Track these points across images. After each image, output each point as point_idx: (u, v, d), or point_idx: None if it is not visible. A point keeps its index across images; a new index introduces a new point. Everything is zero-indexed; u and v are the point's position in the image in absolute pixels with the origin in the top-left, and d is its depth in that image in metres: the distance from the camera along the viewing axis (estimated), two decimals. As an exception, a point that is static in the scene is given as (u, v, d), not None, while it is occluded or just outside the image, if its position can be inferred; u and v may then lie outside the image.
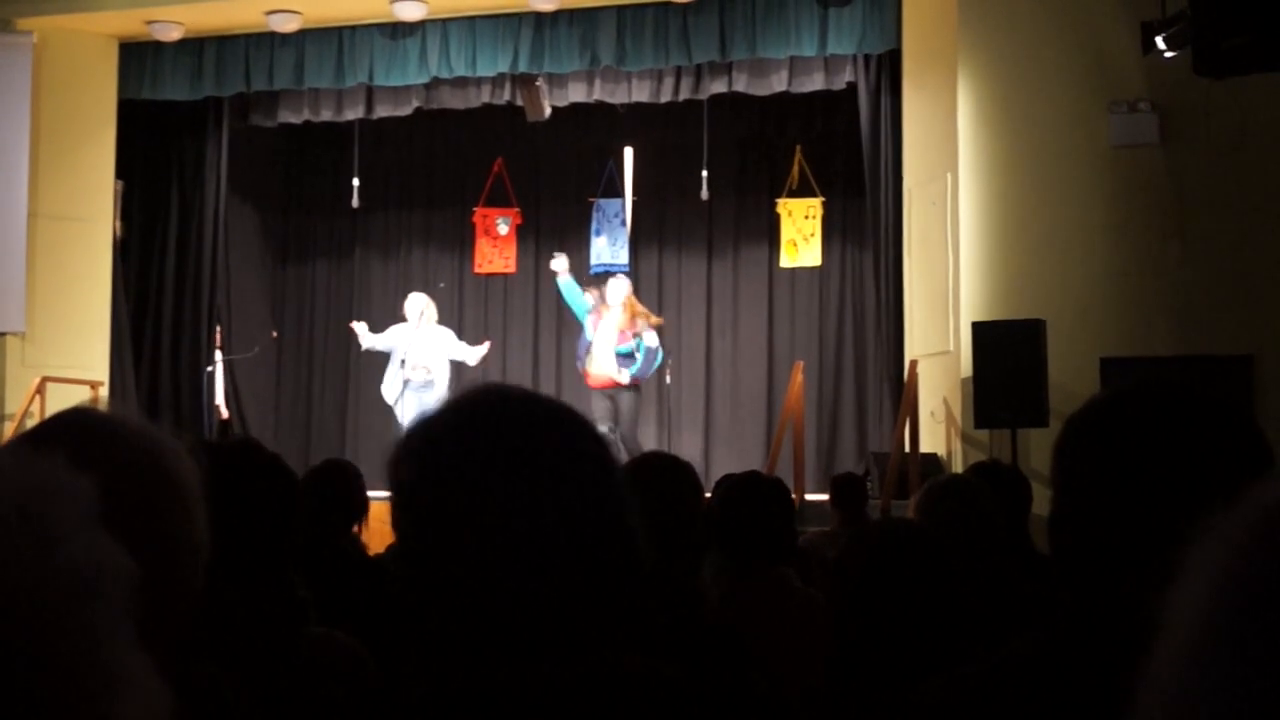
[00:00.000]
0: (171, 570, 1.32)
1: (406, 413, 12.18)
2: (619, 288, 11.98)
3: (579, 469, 1.38)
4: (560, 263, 12.22)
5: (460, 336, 12.89)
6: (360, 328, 12.50)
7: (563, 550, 1.33)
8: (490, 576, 1.33)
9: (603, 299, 11.96)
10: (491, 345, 12.73)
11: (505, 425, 1.38)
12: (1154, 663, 0.67)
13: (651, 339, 11.86)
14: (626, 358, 11.72)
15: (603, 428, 11.63)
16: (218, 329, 13.40)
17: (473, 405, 1.41)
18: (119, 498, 1.28)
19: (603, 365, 11.74)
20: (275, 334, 14.27)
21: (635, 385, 11.85)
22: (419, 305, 12.38)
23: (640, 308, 12.05)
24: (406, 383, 12.18)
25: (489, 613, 1.34)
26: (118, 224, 13.02)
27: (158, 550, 1.30)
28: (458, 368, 12.35)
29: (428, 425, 1.41)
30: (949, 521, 3.76)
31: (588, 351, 11.85)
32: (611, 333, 11.77)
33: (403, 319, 12.42)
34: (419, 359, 12.16)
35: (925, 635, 2.54)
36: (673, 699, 1.34)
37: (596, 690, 1.32)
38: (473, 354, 12.33)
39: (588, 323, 11.92)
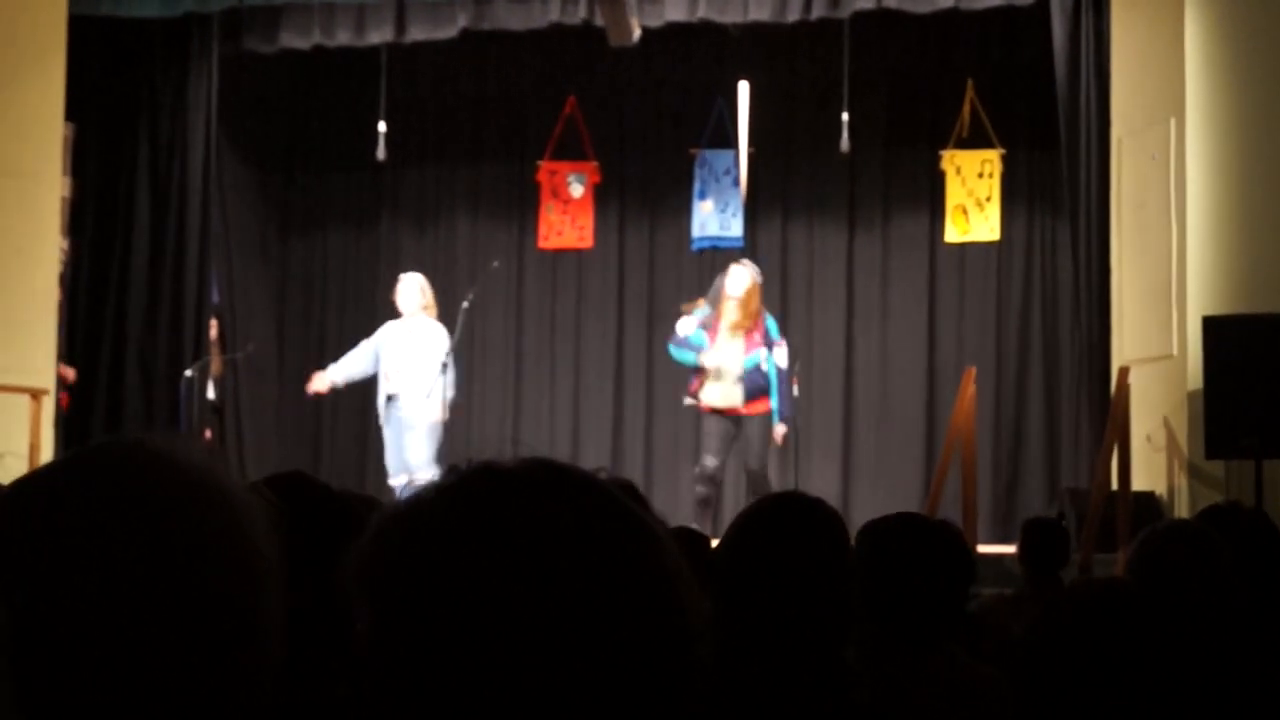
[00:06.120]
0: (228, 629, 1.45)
1: (387, 445, 12.63)
2: (741, 278, 12.01)
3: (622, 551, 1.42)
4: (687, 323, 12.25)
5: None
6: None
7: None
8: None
9: (720, 295, 12.03)
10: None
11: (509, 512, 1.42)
12: None
13: (781, 357, 12.01)
14: (754, 372, 11.87)
15: (711, 461, 11.89)
16: (212, 322, 13.58)
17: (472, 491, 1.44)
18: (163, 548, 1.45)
19: (725, 392, 11.94)
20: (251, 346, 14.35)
21: (765, 409, 11.98)
22: (413, 289, 12.67)
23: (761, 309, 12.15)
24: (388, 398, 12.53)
25: None
26: (68, 181, 13.10)
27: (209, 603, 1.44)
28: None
29: (409, 519, 1.45)
30: (1173, 582, 3.87)
31: (701, 378, 12.03)
32: (734, 344, 11.92)
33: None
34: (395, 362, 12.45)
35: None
36: None
37: None
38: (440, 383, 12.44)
39: (704, 340, 12.01)
